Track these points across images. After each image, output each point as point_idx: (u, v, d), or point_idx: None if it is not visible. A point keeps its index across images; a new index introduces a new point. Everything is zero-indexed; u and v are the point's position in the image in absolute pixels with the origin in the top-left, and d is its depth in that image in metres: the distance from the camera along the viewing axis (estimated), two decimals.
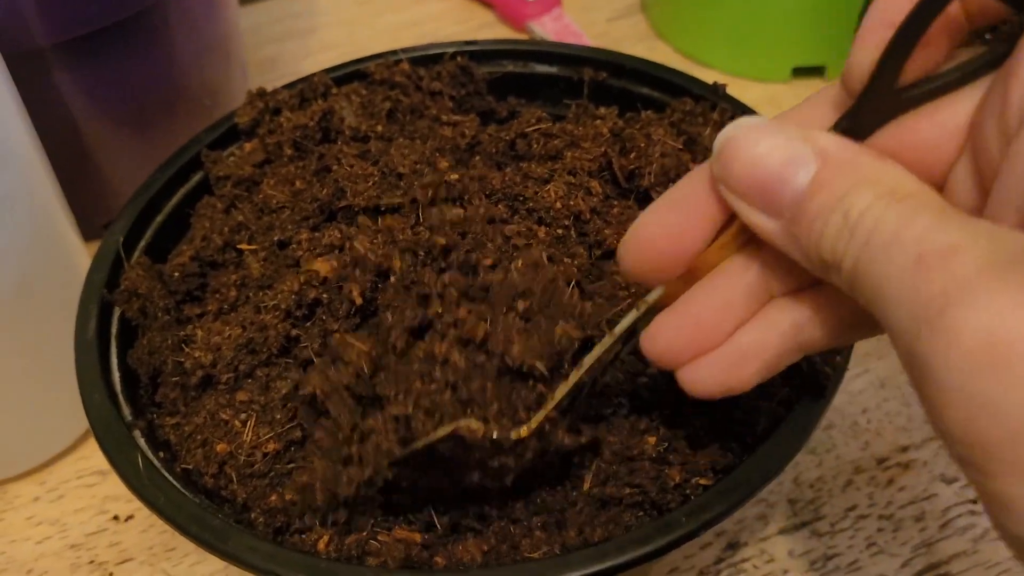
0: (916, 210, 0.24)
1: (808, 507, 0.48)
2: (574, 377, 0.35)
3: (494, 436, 0.34)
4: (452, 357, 0.34)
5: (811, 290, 0.31)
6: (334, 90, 0.50)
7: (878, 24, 0.27)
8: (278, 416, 0.38)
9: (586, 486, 0.37)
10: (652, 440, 0.38)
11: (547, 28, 0.81)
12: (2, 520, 0.50)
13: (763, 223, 0.28)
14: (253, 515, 0.37)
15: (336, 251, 0.40)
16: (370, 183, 0.43)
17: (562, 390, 0.35)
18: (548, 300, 0.36)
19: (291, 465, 0.37)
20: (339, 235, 0.41)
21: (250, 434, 0.37)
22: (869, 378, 0.54)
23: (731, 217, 0.30)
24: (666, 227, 0.31)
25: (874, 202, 0.25)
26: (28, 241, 0.45)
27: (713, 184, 0.29)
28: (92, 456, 0.53)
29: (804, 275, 0.30)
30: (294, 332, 0.39)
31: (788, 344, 0.31)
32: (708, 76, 0.50)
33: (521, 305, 0.36)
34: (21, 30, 0.51)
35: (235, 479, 0.37)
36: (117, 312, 0.42)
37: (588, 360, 0.35)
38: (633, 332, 0.34)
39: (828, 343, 0.31)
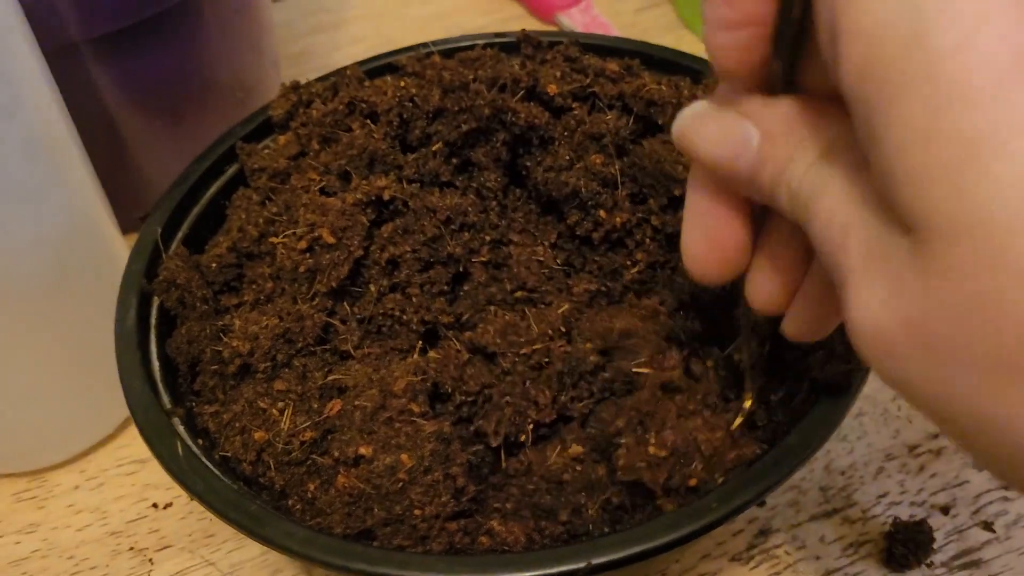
0: (830, 173, 0.25)
1: (840, 494, 0.48)
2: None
3: None
4: None
5: None
6: (366, 83, 0.50)
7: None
8: (315, 405, 0.38)
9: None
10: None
11: (575, 20, 0.81)
12: (43, 508, 0.51)
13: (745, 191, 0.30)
14: (291, 502, 0.37)
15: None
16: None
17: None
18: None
19: (326, 456, 0.37)
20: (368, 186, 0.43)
21: (287, 422, 0.38)
22: None
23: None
24: (708, 241, 0.32)
25: (807, 169, 0.26)
26: (66, 231, 0.46)
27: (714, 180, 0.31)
28: (131, 444, 0.53)
29: None
30: (331, 320, 0.40)
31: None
32: None
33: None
34: (59, 26, 0.52)
35: (273, 466, 0.38)
36: (156, 302, 0.43)
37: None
38: None
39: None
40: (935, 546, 0.45)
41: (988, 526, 0.46)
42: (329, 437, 0.38)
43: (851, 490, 0.48)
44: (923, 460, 0.49)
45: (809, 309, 0.32)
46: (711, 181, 0.31)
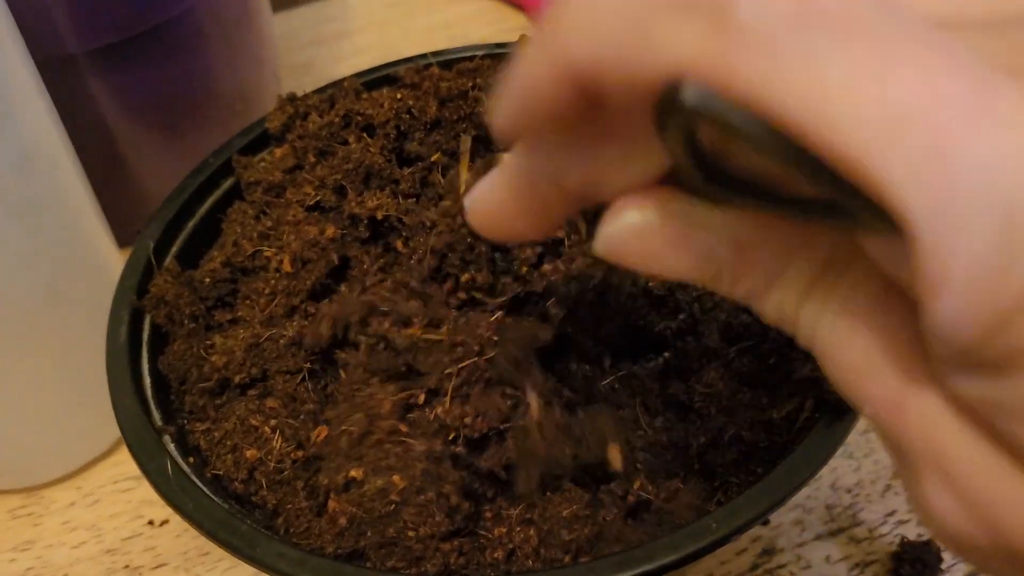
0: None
1: (846, 512, 0.47)
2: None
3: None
4: None
5: None
6: (364, 95, 0.49)
7: None
8: (303, 429, 0.38)
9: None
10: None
11: None
12: (39, 525, 0.51)
13: None
14: (283, 520, 0.37)
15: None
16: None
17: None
18: None
19: (319, 474, 0.37)
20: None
21: (279, 440, 0.37)
22: None
23: None
24: (517, 211, 0.26)
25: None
26: (58, 246, 0.45)
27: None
28: (127, 461, 0.53)
29: None
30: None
31: None
32: None
33: None
34: (56, 38, 0.51)
35: (265, 485, 0.37)
36: (148, 318, 0.42)
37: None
38: None
39: None
40: (943, 566, 0.44)
41: None
42: (318, 462, 0.37)
43: (857, 508, 0.47)
44: None
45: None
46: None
